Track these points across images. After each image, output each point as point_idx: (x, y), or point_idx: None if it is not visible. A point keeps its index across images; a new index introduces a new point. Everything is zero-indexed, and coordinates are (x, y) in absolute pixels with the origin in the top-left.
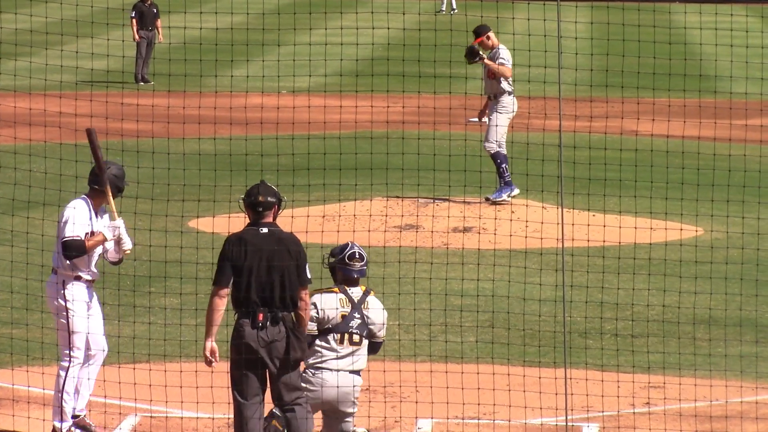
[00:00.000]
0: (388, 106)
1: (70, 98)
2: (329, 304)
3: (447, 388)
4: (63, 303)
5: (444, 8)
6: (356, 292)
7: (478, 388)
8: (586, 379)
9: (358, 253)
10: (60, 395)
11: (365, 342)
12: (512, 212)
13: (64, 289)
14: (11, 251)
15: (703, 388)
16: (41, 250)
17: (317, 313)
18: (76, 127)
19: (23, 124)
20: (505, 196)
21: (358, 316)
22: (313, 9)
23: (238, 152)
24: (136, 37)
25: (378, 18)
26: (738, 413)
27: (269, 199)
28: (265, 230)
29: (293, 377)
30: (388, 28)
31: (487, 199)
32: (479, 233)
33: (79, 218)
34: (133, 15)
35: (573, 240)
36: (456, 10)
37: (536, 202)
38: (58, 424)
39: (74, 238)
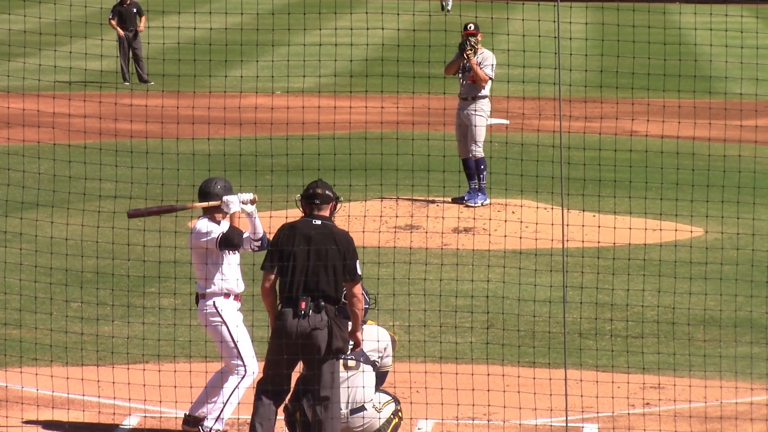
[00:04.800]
0: (383, 107)
1: (64, 99)
2: None
3: (441, 389)
4: (220, 319)
5: (448, 6)
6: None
7: (473, 389)
8: (581, 380)
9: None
10: (224, 404)
11: (365, 368)
12: (512, 212)
13: (216, 308)
14: (5, 252)
15: (699, 389)
16: (35, 251)
17: None
18: (69, 128)
19: (17, 125)
20: (479, 203)
21: (352, 343)
22: (308, 10)
23: (232, 153)
24: (120, 32)
25: (373, 19)
26: (733, 414)
27: (327, 192)
28: (318, 222)
29: (330, 372)
30: (383, 29)
31: (464, 203)
32: (474, 234)
33: (215, 226)
34: (111, 17)
35: (568, 240)
36: (450, 11)
37: (532, 202)
38: (209, 424)
39: (226, 233)
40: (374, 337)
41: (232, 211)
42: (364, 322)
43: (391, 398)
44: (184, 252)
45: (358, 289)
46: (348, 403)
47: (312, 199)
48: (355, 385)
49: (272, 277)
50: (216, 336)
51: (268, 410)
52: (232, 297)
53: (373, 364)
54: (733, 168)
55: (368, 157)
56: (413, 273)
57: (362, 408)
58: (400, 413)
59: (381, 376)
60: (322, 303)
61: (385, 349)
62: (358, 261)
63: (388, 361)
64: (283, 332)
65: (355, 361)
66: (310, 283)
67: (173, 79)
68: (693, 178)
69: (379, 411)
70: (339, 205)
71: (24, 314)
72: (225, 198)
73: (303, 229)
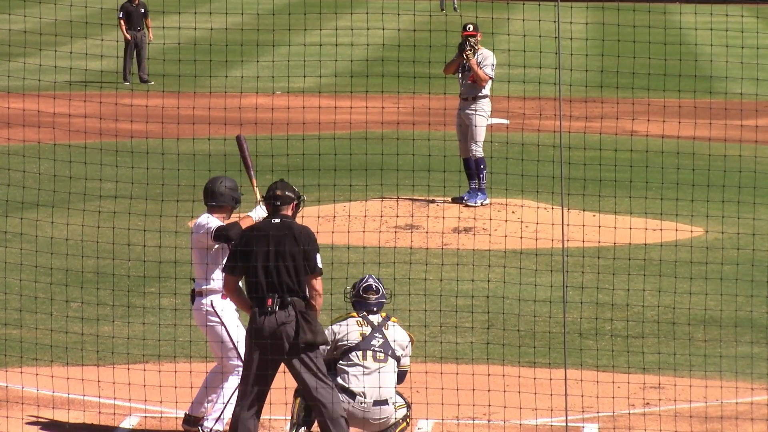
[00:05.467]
0: (383, 107)
1: (64, 99)
2: (346, 326)
3: (442, 389)
4: (218, 319)
5: (448, 5)
6: (376, 317)
7: (473, 389)
8: (581, 380)
9: (374, 285)
10: (224, 404)
11: (392, 364)
12: (512, 212)
13: (213, 307)
14: (5, 252)
15: (699, 389)
16: (36, 251)
17: (333, 335)
18: (70, 128)
19: (17, 125)
20: (479, 203)
21: (380, 336)
22: (309, 10)
23: (233, 153)
24: (127, 36)
25: (373, 19)
26: (734, 414)
27: (287, 193)
28: (277, 220)
29: (313, 362)
30: (383, 29)
31: (464, 203)
32: (474, 234)
33: (215, 220)
34: (120, 15)
35: (569, 240)
36: (457, 9)
37: (532, 202)
38: (210, 424)
39: (224, 225)
40: (401, 335)
41: (250, 213)
42: (388, 318)
43: (404, 402)
44: (184, 252)
45: (317, 283)
46: (372, 394)
47: (273, 200)
48: (383, 378)
49: (231, 278)
50: (214, 336)
51: (247, 413)
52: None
53: (397, 359)
54: (734, 168)
55: (369, 157)
56: (413, 273)
57: (385, 402)
58: (409, 419)
59: (400, 375)
60: (288, 298)
61: (406, 347)
62: (318, 255)
63: (407, 360)
64: (254, 332)
65: (383, 354)
66: (274, 280)
67: (174, 79)
68: (693, 177)
69: (395, 410)
70: (302, 204)
71: (24, 314)
72: (261, 205)
73: (263, 229)
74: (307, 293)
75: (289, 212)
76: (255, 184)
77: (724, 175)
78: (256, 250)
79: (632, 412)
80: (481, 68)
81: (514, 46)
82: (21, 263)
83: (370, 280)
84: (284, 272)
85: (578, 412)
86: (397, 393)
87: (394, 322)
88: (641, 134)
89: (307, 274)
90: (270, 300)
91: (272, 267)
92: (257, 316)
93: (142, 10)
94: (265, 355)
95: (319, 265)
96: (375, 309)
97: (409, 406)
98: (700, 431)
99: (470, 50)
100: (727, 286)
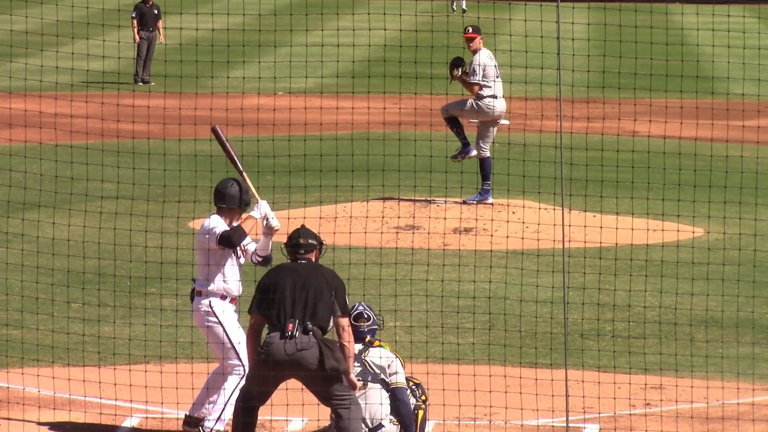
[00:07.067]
0: (385, 107)
1: (66, 99)
2: None
3: (443, 390)
4: (216, 320)
5: (455, 8)
6: (358, 346)
7: (475, 390)
8: (582, 381)
9: (365, 313)
10: (224, 405)
11: (374, 388)
12: (513, 213)
13: (212, 308)
14: (6, 252)
15: (701, 390)
16: (37, 252)
17: None
18: (71, 129)
19: (19, 126)
20: (474, 202)
21: (358, 364)
22: (311, 10)
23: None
24: (136, 37)
25: (375, 19)
26: (735, 414)
27: (310, 241)
28: (304, 261)
29: (333, 388)
30: (385, 29)
31: (464, 202)
32: (475, 235)
33: (222, 224)
34: (134, 15)
35: (570, 241)
36: (455, 10)
37: (534, 202)
38: (210, 425)
39: (228, 230)
40: (380, 358)
41: (252, 214)
42: (371, 344)
43: (410, 389)
44: (185, 253)
45: (347, 324)
46: (366, 422)
47: (296, 249)
48: (368, 403)
49: (256, 319)
50: (213, 337)
51: (246, 412)
52: (228, 299)
53: (381, 381)
54: (735, 168)
55: (370, 158)
56: (415, 273)
57: (380, 426)
58: (424, 400)
59: (396, 394)
60: (310, 325)
61: (390, 366)
62: (346, 296)
63: (397, 377)
64: (269, 352)
65: (362, 382)
66: (298, 311)
67: (175, 79)
68: (695, 178)
69: (397, 424)
70: (324, 248)
71: (25, 315)
72: (262, 201)
73: (289, 266)
74: (339, 334)
75: (312, 258)
76: (247, 178)
77: (726, 175)
78: (281, 285)
79: (633, 412)
80: (468, 79)
81: (516, 46)
82: (22, 264)
83: (360, 308)
84: (310, 305)
85: (579, 412)
86: (407, 383)
87: (377, 346)
88: (643, 135)
89: (335, 315)
90: (291, 325)
91: (297, 299)
92: (276, 338)
93: (156, 11)
94: (274, 373)
95: (348, 305)
96: (367, 336)
97: (417, 385)
98: None
99: (455, 74)
100: (728, 286)
